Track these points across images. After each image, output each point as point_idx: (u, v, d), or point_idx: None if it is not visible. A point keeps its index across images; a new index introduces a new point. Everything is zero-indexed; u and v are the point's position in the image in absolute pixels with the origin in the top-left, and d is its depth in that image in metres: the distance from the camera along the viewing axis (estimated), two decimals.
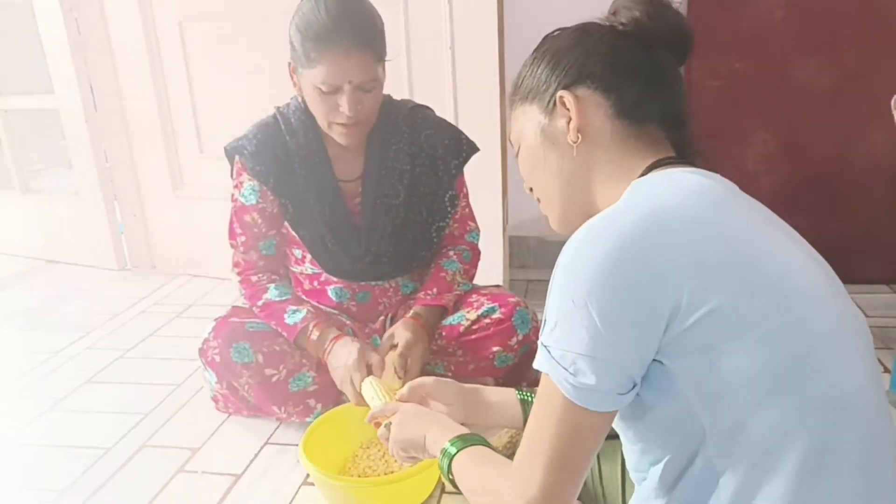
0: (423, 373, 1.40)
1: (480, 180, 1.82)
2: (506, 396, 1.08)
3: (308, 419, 1.50)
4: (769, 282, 0.66)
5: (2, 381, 1.92)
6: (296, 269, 1.60)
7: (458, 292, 1.56)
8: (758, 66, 2.07)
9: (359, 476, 1.35)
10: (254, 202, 1.51)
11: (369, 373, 1.34)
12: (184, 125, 2.51)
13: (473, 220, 1.65)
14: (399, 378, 1.35)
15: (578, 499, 0.72)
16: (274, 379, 1.47)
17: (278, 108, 1.54)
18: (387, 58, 1.40)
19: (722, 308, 0.63)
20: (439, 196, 1.57)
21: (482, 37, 2.00)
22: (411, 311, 1.49)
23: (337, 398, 1.48)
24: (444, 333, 1.53)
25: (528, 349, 1.52)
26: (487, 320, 1.52)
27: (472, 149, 1.59)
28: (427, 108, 1.60)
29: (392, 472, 1.33)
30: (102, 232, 2.74)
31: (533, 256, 2.54)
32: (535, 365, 0.69)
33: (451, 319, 1.54)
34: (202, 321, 1.63)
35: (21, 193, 2.92)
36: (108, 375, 1.91)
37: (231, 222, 1.55)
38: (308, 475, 1.39)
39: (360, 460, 1.39)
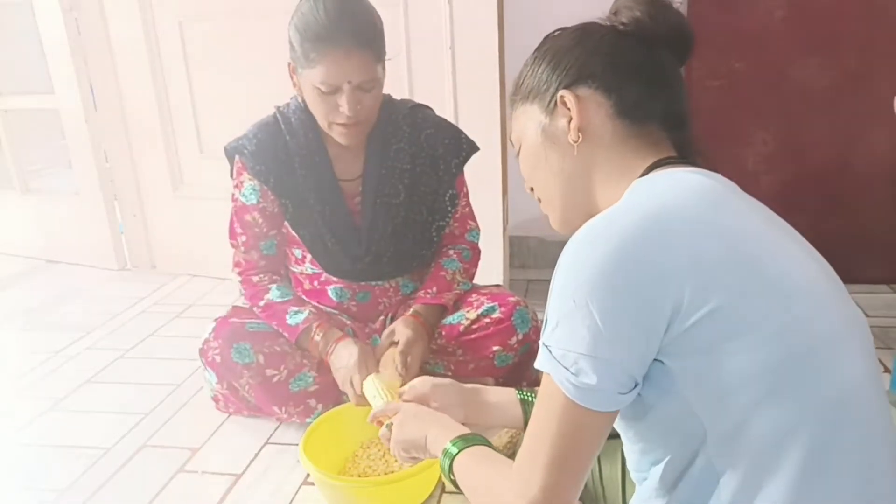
0: (423, 372, 1.40)
1: (480, 180, 1.82)
2: (506, 396, 1.08)
3: (308, 419, 1.50)
4: (770, 282, 0.66)
5: (2, 381, 1.92)
6: (296, 269, 1.60)
7: (457, 291, 1.57)
8: (758, 66, 2.07)
9: (359, 476, 1.35)
10: (254, 202, 1.51)
11: (370, 373, 1.34)
12: (184, 125, 2.51)
13: (473, 219, 1.65)
14: (400, 375, 1.36)
15: (579, 499, 0.72)
16: (275, 379, 1.47)
17: (278, 107, 1.54)
18: (387, 58, 1.40)
19: (723, 308, 0.63)
20: (440, 195, 1.57)
21: (482, 37, 2.00)
22: (411, 310, 1.49)
23: (337, 398, 1.48)
24: (443, 333, 1.53)
25: (528, 349, 1.52)
26: (487, 320, 1.52)
27: (473, 148, 1.59)
28: (427, 107, 1.60)
29: (392, 472, 1.33)
30: (102, 232, 2.74)
31: (533, 256, 2.54)
32: (537, 365, 0.69)
33: (450, 319, 1.54)
34: (202, 321, 1.63)
35: (21, 193, 2.92)
36: (108, 375, 1.91)
37: (231, 222, 1.54)
38: (308, 475, 1.39)
39: (360, 460, 1.39)
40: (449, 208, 1.58)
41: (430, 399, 1.08)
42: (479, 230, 1.65)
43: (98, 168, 2.65)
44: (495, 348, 1.51)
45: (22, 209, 2.93)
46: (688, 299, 0.63)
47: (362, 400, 1.31)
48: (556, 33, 0.83)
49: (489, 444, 0.87)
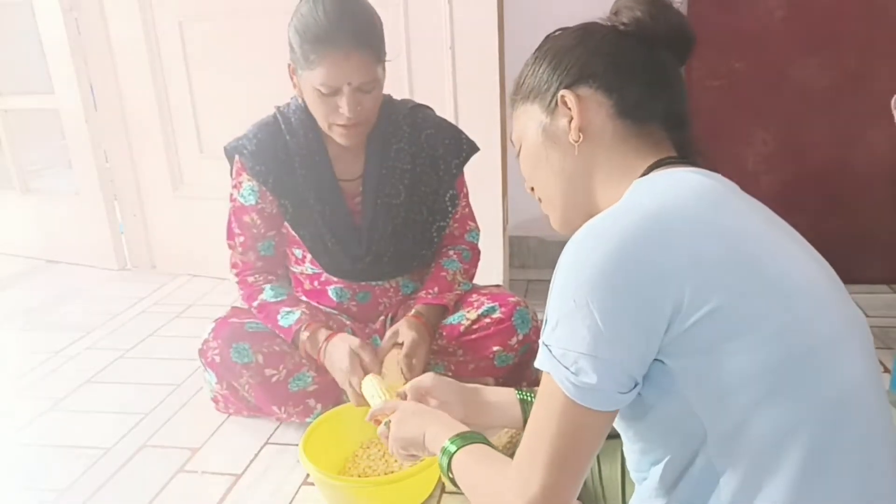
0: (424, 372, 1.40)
1: (480, 180, 1.82)
2: (506, 396, 1.08)
3: (308, 419, 1.50)
4: (770, 282, 0.66)
5: (2, 381, 1.92)
6: (296, 269, 1.60)
7: (458, 292, 1.56)
8: (758, 66, 2.07)
9: (359, 476, 1.35)
10: (253, 203, 1.51)
11: (365, 372, 1.33)
12: (184, 125, 2.51)
13: (473, 219, 1.65)
14: (405, 379, 1.35)
15: (578, 499, 0.72)
16: (274, 379, 1.47)
17: (278, 107, 1.54)
18: (387, 58, 1.40)
19: (723, 308, 0.63)
20: (440, 195, 1.57)
21: (482, 37, 2.00)
22: (413, 310, 1.49)
23: (337, 398, 1.48)
24: (444, 333, 1.53)
25: (529, 349, 1.52)
26: (488, 320, 1.52)
27: (473, 148, 1.59)
28: (427, 107, 1.60)
29: (392, 472, 1.33)
30: (102, 232, 2.74)
31: (533, 256, 2.54)
32: (537, 364, 0.69)
33: (451, 319, 1.54)
34: (202, 321, 1.63)
35: (21, 193, 2.92)
36: (108, 375, 1.91)
37: (229, 222, 1.54)
38: (308, 475, 1.39)
39: (360, 460, 1.39)
40: (449, 208, 1.58)
41: (430, 396, 1.08)
42: (478, 231, 1.65)
43: (98, 168, 2.65)
44: (495, 348, 1.51)
45: (22, 209, 2.93)
46: (688, 299, 0.63)
47: (362, 400, 1.31)
48: (556, 33, 0.83)
49: (488, 443, 0.87)
